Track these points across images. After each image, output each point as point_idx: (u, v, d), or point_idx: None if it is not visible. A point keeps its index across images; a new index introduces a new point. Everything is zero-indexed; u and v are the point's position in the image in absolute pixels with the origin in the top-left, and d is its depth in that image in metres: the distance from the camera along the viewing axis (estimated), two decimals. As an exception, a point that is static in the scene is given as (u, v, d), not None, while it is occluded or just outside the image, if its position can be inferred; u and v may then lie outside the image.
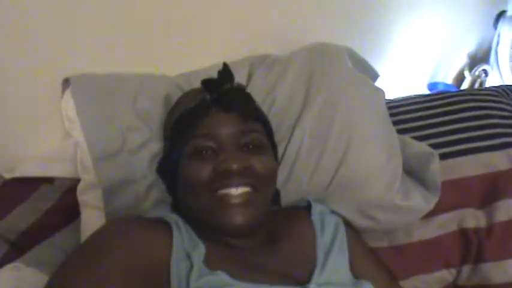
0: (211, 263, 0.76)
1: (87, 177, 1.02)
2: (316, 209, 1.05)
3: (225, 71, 0.93)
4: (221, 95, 0.89)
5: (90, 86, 1.07)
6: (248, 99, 0.95)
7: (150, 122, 1.09)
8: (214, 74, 0.93)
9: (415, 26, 2.05)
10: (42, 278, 0.89)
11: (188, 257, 0.76)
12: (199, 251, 0.77)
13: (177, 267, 0.73)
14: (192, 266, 0.74)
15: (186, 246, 0.77)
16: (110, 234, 0.73)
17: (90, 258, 0.67)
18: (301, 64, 1.20)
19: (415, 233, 1.15)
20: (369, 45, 1.84)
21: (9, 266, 0.91)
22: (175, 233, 0.77)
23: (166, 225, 0.79)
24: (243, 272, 0.78)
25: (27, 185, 1.09)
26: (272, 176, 0.93)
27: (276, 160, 1.02)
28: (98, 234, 0.74)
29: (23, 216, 1.05)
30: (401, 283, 1.11)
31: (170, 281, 0.71)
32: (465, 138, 1.21)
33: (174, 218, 0.82)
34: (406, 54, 2.13)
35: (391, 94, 1.24)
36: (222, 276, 0.74)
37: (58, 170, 1.11)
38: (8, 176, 1.09)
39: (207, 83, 0.91)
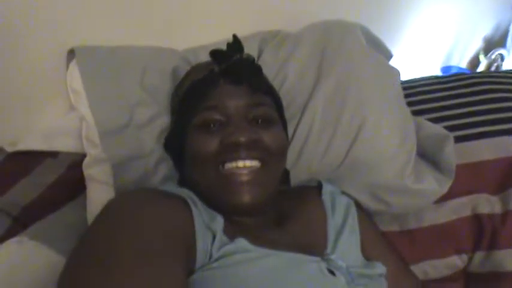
0: (229, 234, 0.76)
1: (94, 152, 1.01)
2: (327, 189, 1.05)
3: (235, 43, 0.92)
4: (230, 66, 0.89)
5: (97, 58, 1.06)
6: (258, 71, 0.94)
7: (157, 96, 1.08)
8: (223, 48, 0.92)
9: (430, 7, 2.03)
10: (46, 252, 0.89)
11: (208, 228, 0.75)
12: (218, 221, 0.77)
13: (202, 237, 0.72)
14: (214, 237, 0.74)
15: (204, 218, 0.77)
16: (136, 203, 0.71)
17: (117, 230, 0.64)
18: (314, 40, 1.19)
19: (427, 217, 1.14)
20: (383, 26, 1.82)
21: (13, 240, 0.90)
22: (192, 206, 0.77)
23: (182, 200, 0.78)
24: (260, 241, 0.77)
25: (30, 159, 1.08)
26: (282, 150, 0.92)
27: (286, 136, 1.01)
28: (117, 205, 0.72)
29: (25, 190, 1.04)
30: (412, 268, 1.11)
31: (196, 251, 0.71)
32: (481, 121, 1.20)
33: (186, 193, 0.81)
34: (420, 36, 2.11)
35: (404, 76, 1.22)
36: (242, 243, 0.74)
37: (62, 144, 1.10)
38: (10, 149, 1.08)
39: (215, 54, 0.91)
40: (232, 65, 0.89)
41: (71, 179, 1.08)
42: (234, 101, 0.87)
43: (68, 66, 1.07)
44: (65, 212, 1.04)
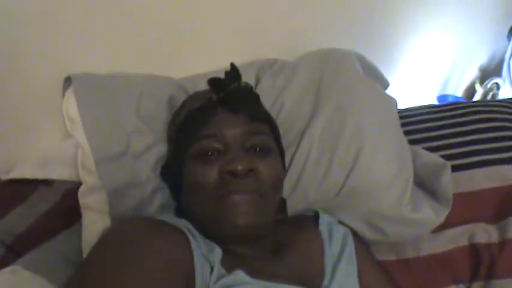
0: (226, 266, 0.77)
1: (90, 180, 1.01)
2: (324, 219, 1.06)
3: (233, 71, 0.94)
4: (228, 95, 0.90)
5: (93, 86, 1.07)
6: (256, 99, 0.97)
7: (154, 125, 1.09)
8: (220, 76, 0.94)
9: (426, 37, 2.06)
10: (40, 283, 0.88)
11: (206, 259, 0.76)
12: (216, 252, 0.78)
13: (200, 268, 0.73)
14: (212, 269, 0.74)
15: (202, 250, 0.77)
16: (135, 233, 0.72)
17: (119, 259, 0.65)
18: (310, 68, 1.21)
19: (424, 247, 1.15)
20: (379, 56, 1.84)
21: (6, 270, 0.89)
22: (190, 238, 0.77)
23: (180, 231, 0.78)
24: (258, 273, 0.78)
25: (24, 187, 1.08)
26: (278, 182, 0.93)
27: (283, 166, 1.02)
28: (117, 234, 0.72)
29: (19, 218, 1.05)
30: (409, 298, 1.11)
31: (195, 283, 0.71)
32: (478, 150, 1.22)
33: (184, 224, 0.82)
34: (416, 65, 2.14)
35: (400, 105, 1.24)
36: (239, 275, 0.74)
37: (57, 172, 1.10)
38: (4, 177, 1.09)
39: (213, 82, 0.92)
40: (230, 93, 0.90)
41: (65, 208, 1.08)
42: (232, 129, 0.88)
43: (64, 94, 1.08)
44: (60, 241, 1.03)
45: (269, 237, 0.94)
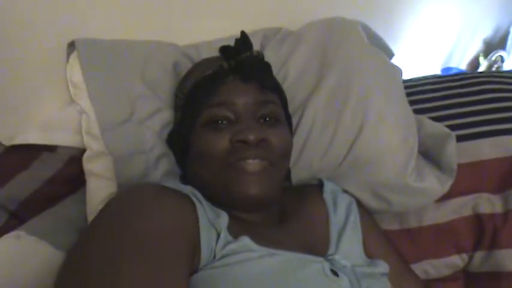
0: (233, 232, 0.77)
1: (94, 146, 1.02)
2: (328, 187, 1.07)
3: (244, 39, 0.93)
4: (240, 63, 0.90)
5: (97, 51, 1.07)
6: (267, 68, 0.96)
7: (158, 91, 1.09)
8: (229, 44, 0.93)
9: (430, 8, 2.04)
10: (44, 247, 0.89)
11: (213, 225, 0.76)
12: (223, 218, 0.78)
13: (207, 235, 0.73)
14: (218, 235, 0.75)
15: (209, 216, 0.77)
16: (141, 199, 0.71)
17: (128, 223, 0.65)
18: (315, 37, 1.21)
19: (428, 217, 1.16)
20: (383, 26, 1.83)
21: (11, 235, 0.90)
22: (197, 203, 0.77)
23: (186, 197, 0.79)
24: (264, 240, 0.78)
25: (28, 153, 1.09)
26: (287, 150, 0.94)
27: (292, 134, 1.03)
28: (122, 200, 0.72)
29: (23, 185, 1.05)
30: (412, 267, 1.11)
31: (201, 249, 0.71)
32: (483, 120, 1.22)
33: (190, 190, 0.82)
34: (420, 38, 2.12)
35: (404, 77, 1.24)
36: (245, 241, 0.75)
37: (61, 138, 1.11)
38: (8, 143, 1.09)
39: (225, 50, 0.92)
40: (242, 62, 0.90)
41: (69, 174, 1.09)
42: (243, 98, 0.88)
43: (68, 59, 1.08)
44: (64, 207, 1.04)
45: (275, 206, 0.95)
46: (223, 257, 0.72)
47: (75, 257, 0.63)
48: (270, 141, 0.87)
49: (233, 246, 0.74)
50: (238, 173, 0.83)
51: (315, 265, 0.78)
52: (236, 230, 0.78)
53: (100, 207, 0.73)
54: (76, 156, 1.09)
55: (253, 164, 0.83)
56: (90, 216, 1.01)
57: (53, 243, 0.90)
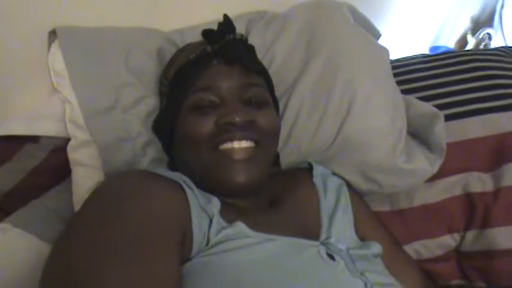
0: (225, 217, 0.77)
1: (79, 135, 1.01)
2: (318, 171, 1.07)
3: (227, 23, 0.93)
4: (223, 47, 0.90)
5: (79, 39, 1.06)
6: (251, 51, 0.97)
7: (142, 77, 1.08)
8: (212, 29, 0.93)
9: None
10: (31, 240, 0.89)
11: (204, 211, 0.76)
12: (215, 203, 0.78)
13: (198, 220, 0.73)
14: (211, 220, 0.74)
15: (200, 201, 0.77)
16: (128, 186, 0.70)
17: (116, 211, 0.64)
18: (301, 19, 1.20)
19: (418, 197, 1.16)
20: (369, 6, 1.82)
21: (-4, 228, 0.90)
22: (187, 189, 0.77)
23: (175, 183, 0.78)
24: (258, 225, 0.78)
25: (10, 144, 1.08)
26: (275, 131, 0.94)
27: (278, 117, 1.02)
28: (110, 187, 0.71)
29: (6, 176, 1.05)
30: (404, 248, 1.13)
31: (193, 236, 0.71)
32: (471, 98, 1.21)
33: (179, 176, 0.81)
34: (408, 16, 2.12)
35: (392, 57, 1.23)
36: (241, 227, 0.75)
37: (44, 128, 1.09)
38: (-10, 135, 1.08)
39: (208, 34, 0.92)
40: (226, 45, 0.90)
41: (54, 164, 1.08)
42: (227, 81, 0.88)
43: (49, 48, 1.06)
44: (49, 197, 1.04)
45: (264, 191, 0.95)
46: (218, 243, 0.72)
47: (61, 248, 0.62)
48: (256, 122, 0.87)
49: (228, 231, 0.73)
50: (225, 160, 0.83)
51: (312, 249, 0.78)
52: (228, 215, 0.78)
53: (86, 196, 0.72)
54: (60, 146, 1.07)
55: (239, 150, 0.84)
56: (77, 206, 1.00)
57: (39, 235, 0.91)
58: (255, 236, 0.75)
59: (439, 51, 2.29)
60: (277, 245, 0.75)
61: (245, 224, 0.75)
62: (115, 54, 1.07)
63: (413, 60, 1.40)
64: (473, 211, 1.12)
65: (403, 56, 1.48)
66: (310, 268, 0.75)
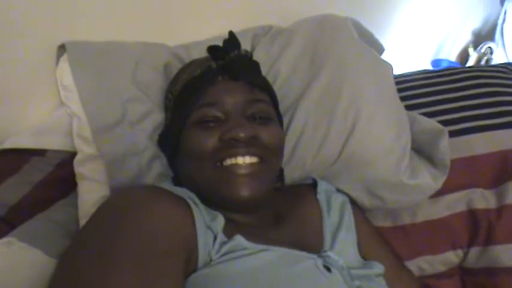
0: (227, 233, 0.77)
1: (86, 149, 1.02)
2: (322, 187, 1.06)
3: (231, 39, 0.93)
4: (228, 63, 0.90)
5: (87, 54, 1.06)
6: (256, 67, 0.97)
7: (149, 92, 1.08)
8: (217, 44, 0.93)
9: (420, 1, 2.03)
10: (36, 254, 0.88)
11: (209, 228, 0.76)
12: (219, 220, 0.78)
13: (203, 237, 0.73)
14: (215, 237, 0.74)
15: (205, 219, 0.77)
16: (135, 201, 0.70)
17: (122, 226, 0.64)
18: (306, 35, 1.20)
19: (421, 213, 1.16)
20: (373, 19, 1.83)
21: (1, 241, 0.89)
22: (193, 206, 0.76)
23: (181, 199, 0.77)
24: (257, 238, 0.78)
25: (17, 157, 1.08)
26: (279, 147, 0.93)
27: (283, 131, 1.02)
28: (117, 202, 0.71)
29: (13, 189, 1.04)
30: (407, 264, 1.12)
31: (198, 252, 0.71)
32: (475, 115, 1.21)
33: (185, 192, 0.81)
34: (410, 30, 2.12)
35: (394, 70, 1.23)
36: (239, 240, 0.75)
37: (50, 142, 1.10)
38: (-3, 148, 1.08)
39: (213, 51, 0.92)
40: (231, 62, 0.90)
41: (59, 178, 1.08)
42: (232, 97, 0.87)
43: (58, 62, 1.07)
44: (55, 211, 1.03)
45: (268, 206, 0.95)
46: (219, 257, 0.72)
47: (66, 263, 0.63)
48: (260, 138, 0.87)
49: (228, 246, 0.74)
50: (229, 175, 0.83)
51: (308, 261, 0.78)
52: (231, 231, 0.78)
53: (92, 210, 0.73)
54: (66, 160, 1.08)
55: (243, 165, 0.83)
56: (82, 220, 1.00)
57: (44, 250, 0.89)
58: (251, 247, 0.75)
59: (441, 64, 2.30)
60: (273, 255, 0.75)
61: (243, 237, 0.75)
62: (123, 69, 1.07)
63: (417, 76, 1.40)
64: (477, 228, 1.11)
65: (407, 72, 1.48)
66: (305, 278, 0.74)
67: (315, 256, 0.80)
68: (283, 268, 0.73)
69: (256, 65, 0.97)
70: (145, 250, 0.62)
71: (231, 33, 0.94)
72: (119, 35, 1.14)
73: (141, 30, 1.19)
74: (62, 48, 1.07)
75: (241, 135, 0.82)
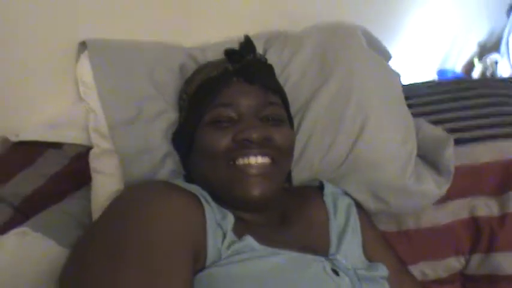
0: (237, 232, 0.78)
1: (102, 144, 1.04)
2: (329, 190, 1.08)
3: (247, 43, 0.95)
4: (244, 66, 0.91)
5: (107, 51, 1.08)
6: (270, 71, 0.99)
7: (165, 92, 1.10)
8: (233, 47, 0.95)
9: (426, 11, 2.05)
10: (49, 245, 0.90)
11: (220, 226, 0.77)
12: (229, 219, 0.79)
13: (213, 234, 0.74)
14: (224, 236, 0.76)
15: (216, 217, 0.78)
16: (147, 197, 0.72)
17: (134, 221, 0.66)
18: (316, 42, 1.21)
19: (425, 219, 1.17)
20: (380, 29, 1.84)
21: (16, 231, 0.90)
22: (204, 203, 0.78)
23: (193, 196, 0.79)
24: (267, 240, 0.79)
25: (33, 149, 1.10)
26: (291, 148, 0.95)
27: (293, 133, 1.04)
28: (129, 197, 0.73)
29: (28, 180, 1.06)
30: (409, 268, 1.12)
31: (207, 249, 0.72)
32: (480, 124, 1.23)
33: (196, 189, 0.83)
34: (416, 40, 2.14)
35: (402, 80, 1.25)
36: (249, 241, 0.76)
37: (66, 135, 1.12)
38: (14, 139, 1.09)
39: (230, 54, 0.94)
40: (246, 65, 0.92)
41: (74, 171, 1.10)
42: (246, 99, 0.89)
43: (78, 59, 1.09)
44: (69, 203, 1.05)
45: (276, 206, 0.96)
46: (228, 256, 0.73)
47: (77, 256, 0.65)
48: (273, 139, 0.88)
49: (237, 246, 0.75)
50: (241, 174, 0.85)
51: (316, 264, 0.79)
52: (240, 230, 0.79)
53: (105, 204, 0.75)
54: (82, 154, 1.10)
55: (255, 166, 0.85)
56: (95, 213, 1.02)
57: (58, 240, 0.91)
58: (261, 249, 0.76)
59: (446, 74, 2.32)
60: (283, 259, 0.76)
61: (253, 238, 0.77)
62: (141, 68, 1.09)
63: (423, 85, 1.42)
64: (479, 235, 1.13)
65: (414, 82, 1.50)
66: (314, 282, 0.76)
67: (322, 259, 0.82)
68: (292, 273, 0.75)
69: (270, 68, 0.99)
70: (155, 247, 0.63)
71: (246, 37, 0.96)
72: (136, 34, 1.16)
73: (158, 30, 1.21)
74: (82, 45, 1.09)
75: (254, 136, 0.84)
